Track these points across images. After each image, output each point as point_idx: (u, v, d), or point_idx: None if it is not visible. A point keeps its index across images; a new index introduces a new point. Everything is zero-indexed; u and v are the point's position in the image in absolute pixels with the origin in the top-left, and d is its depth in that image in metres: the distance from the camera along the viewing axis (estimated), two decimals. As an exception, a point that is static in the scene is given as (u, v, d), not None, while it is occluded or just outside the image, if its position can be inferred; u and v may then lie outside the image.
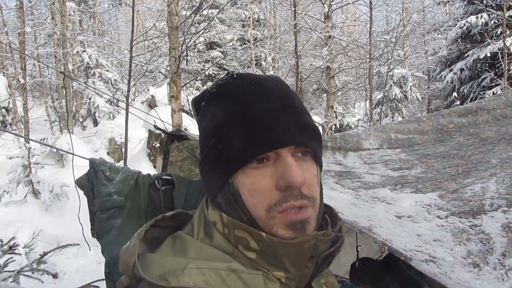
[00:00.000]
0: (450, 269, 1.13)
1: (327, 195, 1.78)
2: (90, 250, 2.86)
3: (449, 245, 1.31)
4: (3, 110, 16.25)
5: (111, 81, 15.97)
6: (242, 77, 0.75)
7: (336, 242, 0.72)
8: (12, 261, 3.43)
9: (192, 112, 0.87)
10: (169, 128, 4.69)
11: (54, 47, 15.49)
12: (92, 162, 2.53)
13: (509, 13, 11.83)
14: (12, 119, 16.63)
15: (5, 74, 16.30)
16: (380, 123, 11.88)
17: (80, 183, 2.61)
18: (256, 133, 0.67)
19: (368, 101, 12.41)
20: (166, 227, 0.79)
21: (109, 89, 15.43)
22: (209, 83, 21.78)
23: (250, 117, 0.69)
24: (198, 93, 0.83)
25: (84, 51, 15.60)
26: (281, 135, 0.67)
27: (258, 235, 0.67)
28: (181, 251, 0.69)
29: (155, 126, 2.99)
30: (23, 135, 10.73)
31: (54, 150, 10.21)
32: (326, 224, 0.77)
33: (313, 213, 0.70)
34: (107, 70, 16.15)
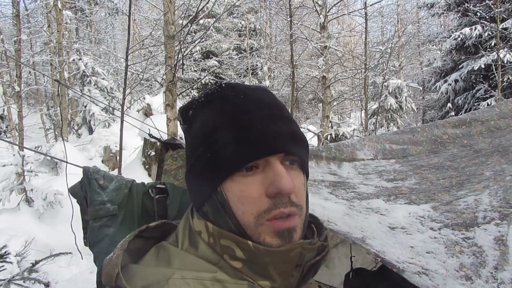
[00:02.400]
0: (443, 282, 1.13)
1: (320, 205, 1.78)
2: (82, 259, 2.83)
3: (442, 258, 1.31)
4: (-2, 117, 16.20)
5: (107, 89, 15.96)
6: (230, 86, 0.76)
7: (322, 251, 0.73)
8: (3, 269, 3.39)
9: (179, 121, 0.87)
10: (165, 137, 4.68)
11: (50, 55, 15.48)
12: (86, 170, 2.51)
13: (503, 25, 11.98)
14: (6, 127, 16.56)
15: (0, 81, 16.26)
16: (375, 133, 11.93)
17: (73, 191, 2.59)
18: (246, 140, 0.68)
19: (363, 111, 12.46)
20: (149, 237, 0.78)
21: (105, 97, 15.42)
22: (205, 92, 21.75)
23: (240, 125, 0.69)
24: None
25: (80, 59, 15.61)
26: (271, 142, 0.68)
27: (244, 243, 0.67)
28: (165, 262, 0.69)
29: (150, 135, 2.99)
30: (17, 142, 10.68)
31: (48, 158, 10.17)
32: (312, 234, 0.78)
33: (300, 222, 0.70)
34: (103, 78, 16.16)
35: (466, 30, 13.58)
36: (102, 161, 12.43)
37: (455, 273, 1.21)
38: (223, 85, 0.76)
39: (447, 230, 1.53)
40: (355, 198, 2.05)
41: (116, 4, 20.39)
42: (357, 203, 1.95)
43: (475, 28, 13.36)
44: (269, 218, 0.67)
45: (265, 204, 0.67)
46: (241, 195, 0.67)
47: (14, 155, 7.27)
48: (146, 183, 2.68)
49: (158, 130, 4.12)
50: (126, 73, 3.99)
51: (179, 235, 0.74)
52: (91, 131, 15.80)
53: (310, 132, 14.06)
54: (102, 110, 14.99)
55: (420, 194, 2.06)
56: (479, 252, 1.33)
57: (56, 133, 14.11)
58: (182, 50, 5.23)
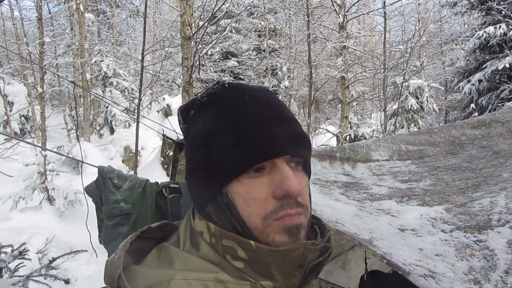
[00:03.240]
0: (450, 285, 1.10)
1: (330, 206, 1.76)
2: (97, 256, 2.88)
3: (451, 260, 1.27)
4: (23, 118, 16.63)
5: (127, 90, 16.19)
6: (233, 86, 0.75)
7: (325, 252, 0.72)
8: (23, 266, 3.48)
9: (179, 121, 0.87)
10: (181, 138, 4.72)
11: (72, 57, 15.82)
12: (101, 169, 2.56)
13: (528, 24, 11.64)
14: (31, 127, 17.00)
15: (26, 84, 16.70)
16: (394, 134, 11.74)
17: (88, 190, 2.64)
18: (253, 142, 0.67)
19: (382, 111, 12.31)
20: (151, 238, 0.78)
21: (126, 98, 15.65)
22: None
23: (246, 127, 0.68)
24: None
25: (102, 60, 15.88)
26: (277, 145, 0.68)
27: (247, 243, 0.67)
28: (167, 263, 0.68)
29: (164, 135, 3.02)
30: (40, 142, 10.96)
31: (69, 158, 10.39)
32: (315, 235, 0.77)
33: (305, 221, 0.70)
34: (124, 80, 16.39)
35: (490, 28, 13.23)
36: (123, 161, 12.62)
37: (463, 277, 1.17)
38: (226, 85, 0.76)
39: (459, 232, 1.49)
40: (367, 199, 2.02)
41: (137, 6, 20.69)
42: (368, 204, 1.92)
43: (500, 27, 13.01)
44: (276, 218, 0.66)
45: (271, 205, 0.67)
46: (248, 196, 0.67)
47: (36, 155, 7.45)
48: (159, 183, 2.71)
49: (174, 131, 4.16)
50: (141, 74, 4.04)
51: (181, 235, 0.74)
52: (112, 131, 16.06)
53: (329, 132, 13.96)
54: (122, 111, 15.23)
55: (434, 195, 2.01)
56: (491, 256, 1.29)
57: (78, 133, 14.43)
58: (199, 51, 5.26)
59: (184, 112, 0.79)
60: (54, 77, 21.06)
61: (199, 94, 0.79)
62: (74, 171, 11.57)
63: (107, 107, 16.26)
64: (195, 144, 0.73)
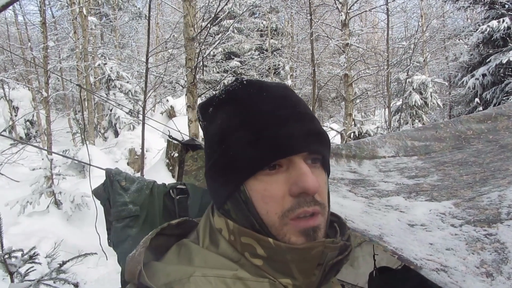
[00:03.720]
0: (462, 279, 1.10)
1: (338, 203, 1.76)
2: (107, 259, 2.89)
3: (462, 254, 1.27)
4: (28, 123, 16.72)
5: (131, 93, 16.23)
6: (251, 83, 0.76)
7: (344, 250, 0.72)
8: (33, 270, 3.50)
9: (198, 118, 0.88)
10: (186, 138, 4.73)
11: (76, 60, 15.88)
12: (108, 172, 2.57)
13: (532, 17, 11.57)
14: (36, 132, 17.09)
15: (30, 88, 16.78)
16: (399, 130, 11.67)
17: (96, 193, 2.65)
18: (269, 140, 0.67)
19: (386, 108, 12.28)
20: (171, 235, 0.78)
21: (130, 101, 15.69)
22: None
23: (264, 124, 0.69)
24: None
25: (106, 63, 15.94)
26: (295, 142, 0.68)
27: (265, 241, 0.67)
28: (187, 259, 0.69)
29: (170, 136, 3.02)
30: (46, 147, 11.03)
31: (75, 161, 10.44)
32: (335, 233, 0.77)
33: (323, 221, 0.70)
34: (128, 82, 16.44)
35: (494, 23, 13.16)
36: (128, 164, 12.66)
37: (475, 270, 1.17)
38: (244, 82, 0.76)
39: (469, 226, 1.49)
40: (375, 196, 2.02)
41: (139, 9, 20.75)
42: (376, 201, 1.92)
43: (503, 21, 12.94)
44: (292, 217, 0.66)
45: (288, 203, 0.67)
46: (265, 194, 0.67)
47: (42, 159, 7.49)
48: (167, 184, 2.72)
49: (179, 131, 4.17)
50: (146, 76, 4.05)
51: (200, 232, 0.75)
52: (117, 134, 16.11)
53: (333, 130, 13.95)
54: (127, 113, 15.28)
55: (442, 191, 2.01)
56: (502, 249, 1.29)
57: (83, 137, 14.50)
58: (202, 51, 5.27)
59: (203, 110, 0.79)
60: (58, 81, 21.16)
61: (218, 91, 0.79)
62: (80, 174, 11.62)
63: (111, 110, 16.31)
64: (213, 142, 0.74)
